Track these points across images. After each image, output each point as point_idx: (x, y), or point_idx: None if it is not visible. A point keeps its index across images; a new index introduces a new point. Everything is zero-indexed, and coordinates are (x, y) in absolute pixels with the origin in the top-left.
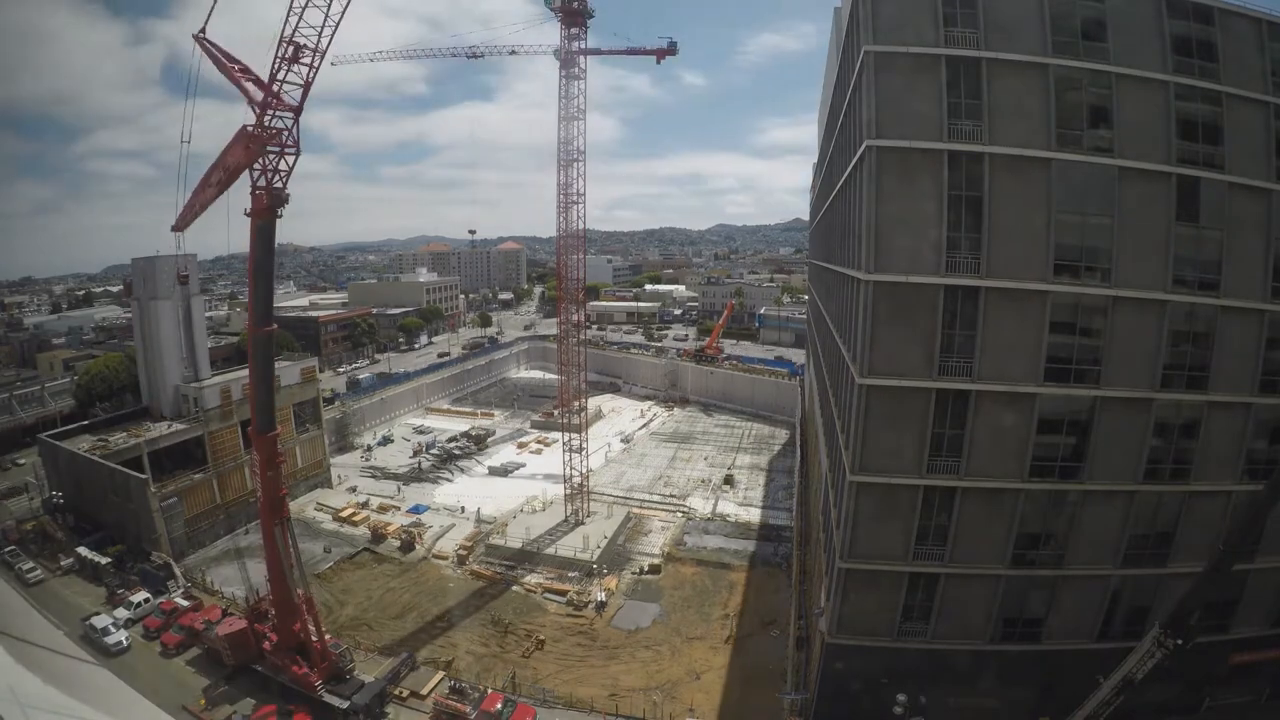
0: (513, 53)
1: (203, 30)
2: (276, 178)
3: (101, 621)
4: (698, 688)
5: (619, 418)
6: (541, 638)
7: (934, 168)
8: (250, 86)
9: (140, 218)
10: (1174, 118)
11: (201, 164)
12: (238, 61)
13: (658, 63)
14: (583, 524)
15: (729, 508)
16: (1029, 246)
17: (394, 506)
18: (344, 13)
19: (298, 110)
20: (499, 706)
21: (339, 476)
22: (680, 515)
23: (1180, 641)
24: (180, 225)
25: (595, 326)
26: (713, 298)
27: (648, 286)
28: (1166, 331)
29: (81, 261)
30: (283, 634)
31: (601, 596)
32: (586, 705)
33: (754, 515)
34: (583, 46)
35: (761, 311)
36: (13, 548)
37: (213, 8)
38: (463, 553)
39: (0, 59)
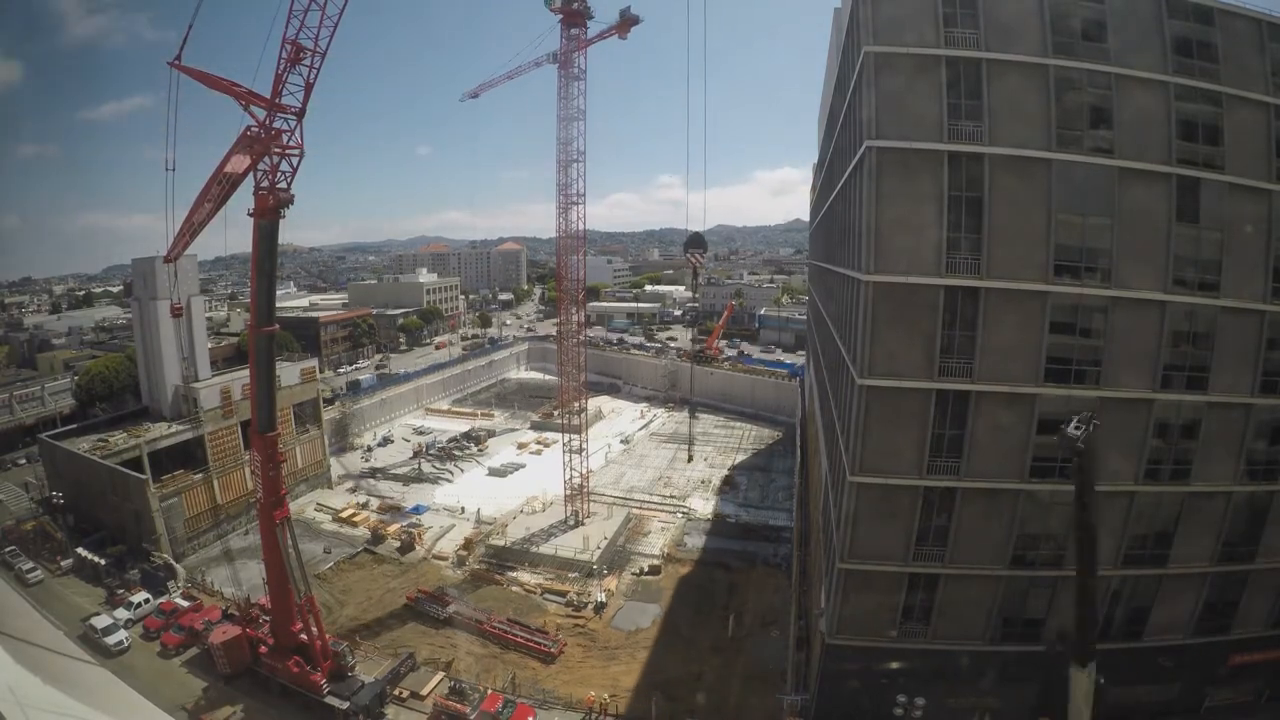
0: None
1: (178, 58)
2: (281, 179)
3: (102, 621)
4: (698, 688)
5: (619, 418)
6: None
7: (934, 168)
8: (245, 92)
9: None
10: (1174, 118)
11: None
12: (223, 78)
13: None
14: (583, 524)
15: (729, 508)
16: (1029, 247)
17: (394, 507)
18: (340, 14)
19: (301, 112)
20: (499, 707)
21: (339, 477)
22: (680, 516)
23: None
24: (172, 256)
25: (600, 327)
26: (712, 298)
27: (648, 287)
28: (1166, 332)
29: (81, 262)
30: (280, 636)
31: (601, 597)
32: (586, 706)
33: (754, 516)
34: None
35: (761, 312)
36: (13, 548)
37: (187, 35)
38: (462, 553)
39: None
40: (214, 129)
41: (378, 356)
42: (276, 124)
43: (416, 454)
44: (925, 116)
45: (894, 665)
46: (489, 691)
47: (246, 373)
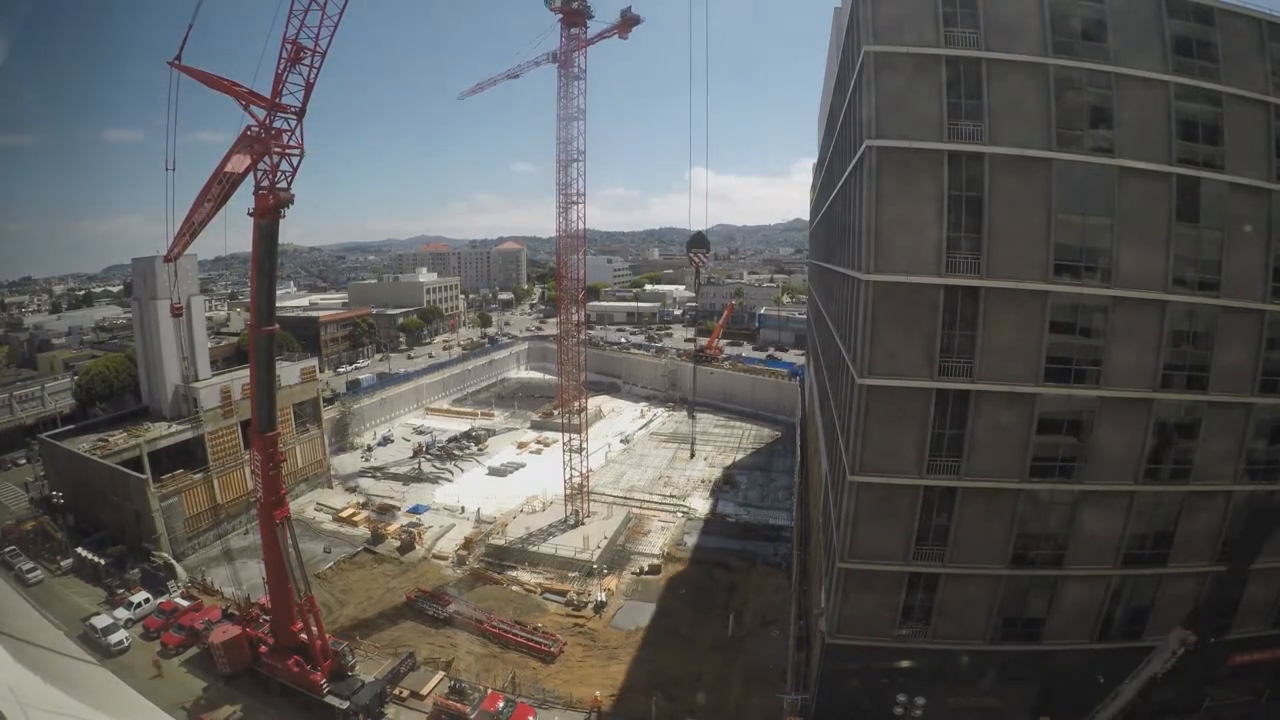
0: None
1: (178, 57)
2: (281, 179)
3: (102, 621)
4: (698, 688)
5: (619, 418)
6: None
7: (934, 168)
8: (245, 92)
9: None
10: (1174, 118)
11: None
12: (224, 77)
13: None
14: (583, 524)
15: (729, 508)
16: (1029, 247)
17: (394, 506)
18: (341, 14)
19: (301, 111)
20: (499, 706)
21: (339, 476)
22: (680, 515)
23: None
24: (172, 256)
25: (598, 327)
26: (712, 298)
27: (648, 287)
28: (1166, 331)
29: (81, 261)
30: (280, 635)
31: (601, 597)
32: (586, 705)
33: (754, 515)
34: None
35: (761, 312)
36: (13, 548)
37: (187, 35)
38: (462, 553)
39: None
40: (214, 128)
41: (377, 356)
42: (276, 124)
43: (416, 453)
44: (925, 116)
45: (894, 665)
46: (489, 691)
47: (246, 372)
